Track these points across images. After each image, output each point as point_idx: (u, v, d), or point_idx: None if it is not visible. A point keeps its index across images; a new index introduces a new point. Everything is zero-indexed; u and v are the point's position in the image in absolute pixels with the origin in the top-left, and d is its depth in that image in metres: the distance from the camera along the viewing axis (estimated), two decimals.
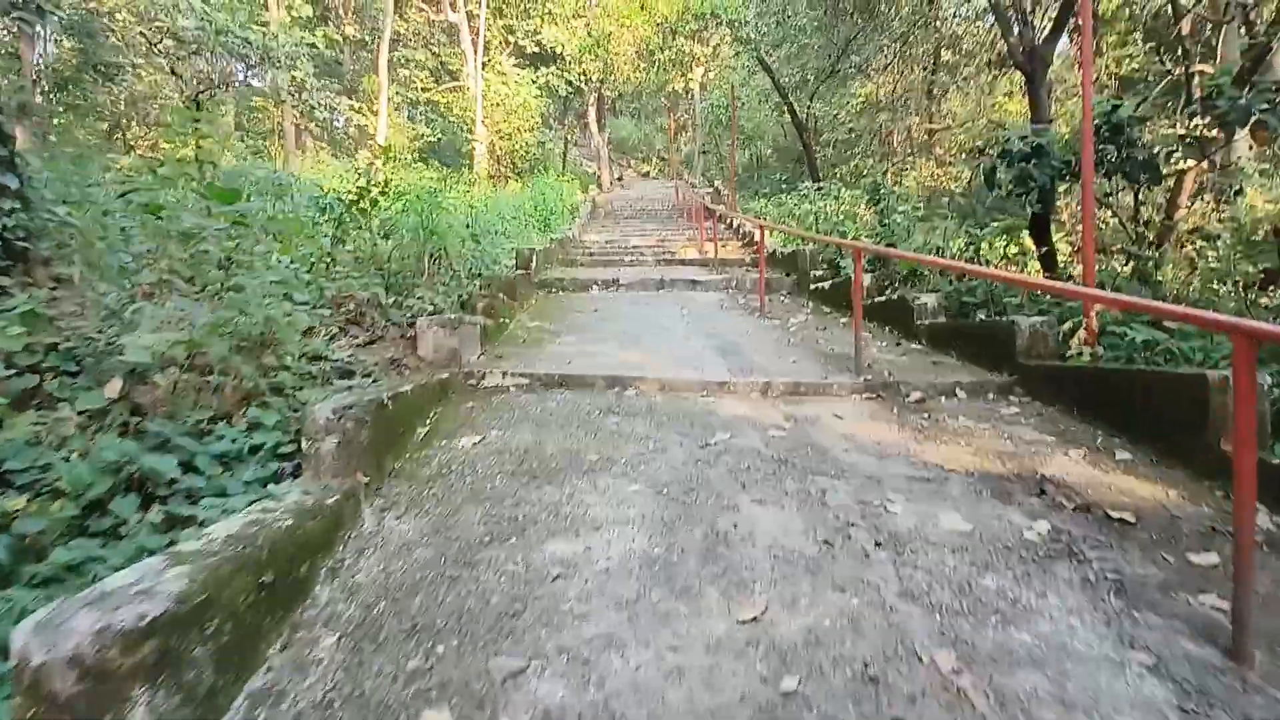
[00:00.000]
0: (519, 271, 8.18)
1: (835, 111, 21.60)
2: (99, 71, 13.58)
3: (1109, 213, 8.49)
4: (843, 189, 14.26)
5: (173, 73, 13.55)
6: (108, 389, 2.56)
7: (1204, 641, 1.87)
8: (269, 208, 6.91)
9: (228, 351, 2.84)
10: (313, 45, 15.36)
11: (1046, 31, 8.61)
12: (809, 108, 19.03)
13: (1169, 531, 2.46)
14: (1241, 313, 4.88)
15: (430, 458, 3.17)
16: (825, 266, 8.36)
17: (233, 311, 2.95)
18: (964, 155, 18.54)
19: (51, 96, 14.20)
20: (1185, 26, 11.66)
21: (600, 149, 29.06)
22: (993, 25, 16.61)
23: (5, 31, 12.64)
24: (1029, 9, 9.85)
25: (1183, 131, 6.12)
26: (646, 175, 35.50)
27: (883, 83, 20.45)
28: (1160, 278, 7.22)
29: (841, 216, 11.19)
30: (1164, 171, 6.74)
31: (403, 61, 26.40)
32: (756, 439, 3.44)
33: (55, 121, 14.12)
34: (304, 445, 2.65)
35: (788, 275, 8.98)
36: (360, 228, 5.60)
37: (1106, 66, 14.98)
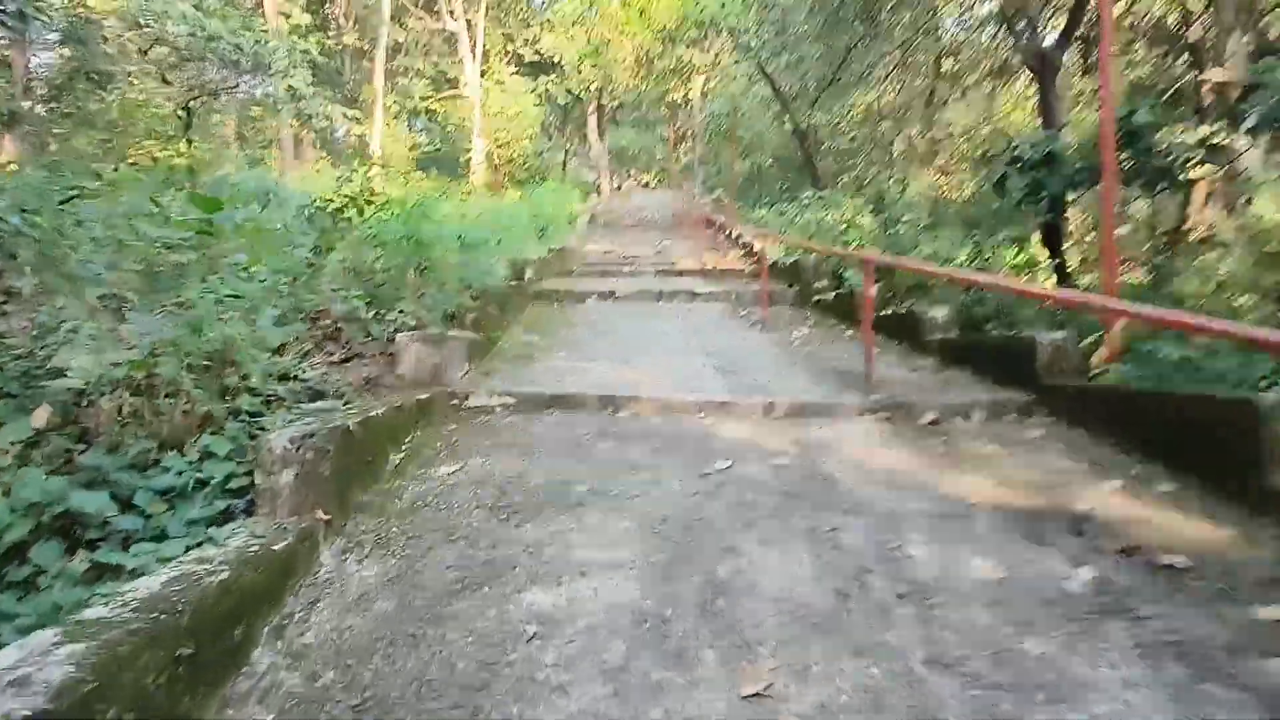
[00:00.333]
0: (513, 283, 7.90)
1: (836, 120, 21.42)
2: (90, 79, 13.36)
3: (1120, 222, 8.25)
4: (845, 197, 14.04)
5: (164, 80, 13.34)
6: (34, 417, 2.29)
7: None
8: (256, 216, 6.63)
9: (176, 372, 2.57)
10: (306, 52, 15.17)
11: (1056, 36, 8.41)
12: (810, 116, 18.83)
13: (1228, 579, 2.17)
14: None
15: (403, 489, 2.90)
16: (829, 277, 8.11)
17: (183, 329, 2.68)
18: (967, 164, 18.35)
19: (53, 106, 13.98)
20: (1193, 34, 11.45)
21: (600, 158, 28.90)
22: (995, 34, 16.45)
23: None
24: (1036, 15, 9.65)
25: (1202, 136, 5.88)
26: (647, 185, 35.33)
27: (884, 91, 20.28)
28: (1173, 289, 6.96)
29: (845, 225, 10.95)
30: (1180, 179, 6.51)
31: (402, 70, 26.29)
32: (760, 467, 3.16)
33: (55, 131, 13.89)
34: (257, 479, 2.37)
35: (790, 286, 8.72)
36: (343, 238, 5.34)
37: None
